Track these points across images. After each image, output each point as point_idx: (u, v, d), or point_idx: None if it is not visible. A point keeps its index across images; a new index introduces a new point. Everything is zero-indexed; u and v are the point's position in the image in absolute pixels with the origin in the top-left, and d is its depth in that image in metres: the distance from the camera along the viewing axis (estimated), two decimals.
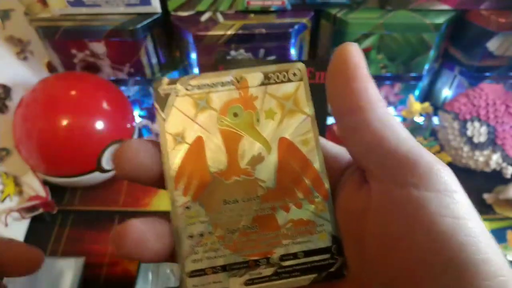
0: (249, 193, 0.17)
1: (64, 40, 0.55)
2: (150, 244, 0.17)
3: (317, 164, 0.18)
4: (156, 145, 0.18)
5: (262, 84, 0.17)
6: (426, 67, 0.58)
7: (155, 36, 0.57)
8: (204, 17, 0.54)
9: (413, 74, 0.60)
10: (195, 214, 0.17)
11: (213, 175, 0.17)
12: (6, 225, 0.52)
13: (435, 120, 0.62)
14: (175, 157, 0.17)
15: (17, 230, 0.54)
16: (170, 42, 0.61)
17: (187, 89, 0.17)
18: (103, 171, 0.55)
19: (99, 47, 0.56)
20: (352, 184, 0.18)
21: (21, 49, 0.60)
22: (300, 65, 0.18)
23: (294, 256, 0.17)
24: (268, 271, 0.17)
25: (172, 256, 0.17)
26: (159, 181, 0.18)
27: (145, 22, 0.53)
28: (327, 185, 0.18)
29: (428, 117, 0.61)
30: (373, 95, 0.16)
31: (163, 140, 0.17)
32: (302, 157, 0.18)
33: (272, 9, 0.54)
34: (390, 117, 0.16)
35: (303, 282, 0.17)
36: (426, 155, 0.16)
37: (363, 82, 0.16)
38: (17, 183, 0.56)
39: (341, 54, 0.17)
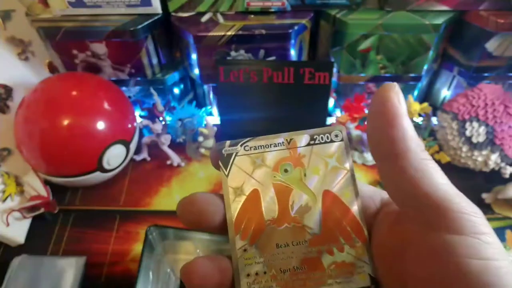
0: (298, 238, 0.20)
1: (65, 41, 0.55)
2: (214, 279, 0.19)
3: (356, 212, 0.20)
4: (219, 197, 0.20)
5: (309, 144, 0.21)
6: (425, 67, 0.59)
7: (155, 36, 0.57)
8: (204, 18, 0.55)
9: (412, 75, 0.60)
10: (251, 255, 0.20)
11: (267, 223, 0.20)
12: (8, 224, 0.52)
13: (434, 120, 0.62)
14: (236, 207, 0.20)
15: (19, 229, 0.54)
16: (170, 42, 0.61)
17: (245, 150, 0.21)
18: (104, 171, 0.55)
19: (100, 48, 0.56)
20: (388, 224, 0.19)
21: (23, 49, 0.61)
22: (341, 128, 0.21)
23: None
24: None
25: (224, 229, 0.20)
26: (221, 228, 0.20)
27: (145, 23, 0.54)
28: (365, 231, 0.20)
29: (427, 117, 0.62)
30: (411, 142, 0.17)
31: (226, 193, 0.20)
32: (344, 206, 0.20)
33: (272, 10, 0.55)
34: (426, 163, 0.17)
35: None
36: (458, 199, 0.17)
37: (401, 130, 0.17)
38: (18, 183, 0.57)
39: (380, 97, 0.18)
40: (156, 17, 0.55)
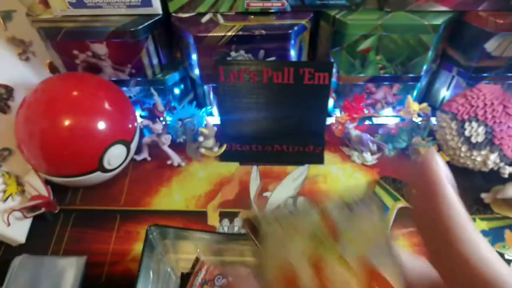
0: None
1: (65, 41, 0.55)
2: None
3: (396, 284, 0.18)
4: (251, 276, 0.20)
5: (344, 213, 0.20)
6: (424, 67, 0.59)
7: (156, 37, 0.57)
8: (204, 19, 0.55)
9: (411, 75, 0.60)
10: None
11: None
12: (9, 224, 0.52)
13: (433, 120, 0.62)
14: (272, 283, 0.19)
15: (19, 229, 0.54)
16: (171, 43, 0.61)
17: (277, 220, 0.20)
18: (105, 171, 0.55)
19: (101, 48, 0.56)
20: None
21: (23, 50, 0.61)
22: (373, 197, 0.20)
23: None
24: None
25: None
26: None
27: (146, 23, 0.54)
28: None
29: (426, 117, 0.62)
30: (459, 218, 0.16)
31: (260, 270, 0.19)
32: (385, 281, 0.19)
33: (271, 10, 0.55)
34: (475, 239, 0.16)
35: None
36: (506, 277, 0.16)
37: (447, 202, 0.16)
38: (19, 183, 0.57)
39: (424, 168, 0.17)
40: (156, 18, 0.55)
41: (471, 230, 0.16)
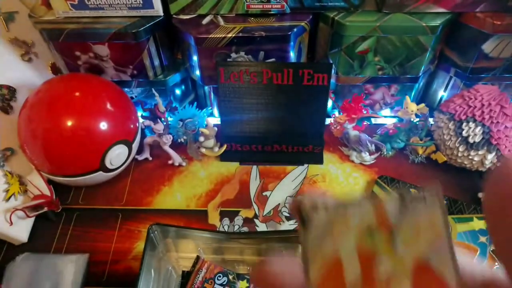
0: None
1: (68, 42, 0.56)
2: (285, 284, 0.18)
3: (453, 285, 0.17)
4: (295, 261, 0.19)
5: (400, 207, 0.18)
6: (422, 68, 0.59)
7: (157, 38, 0.58)
8: (205, 20, 0.55)
9: (409, 76, 0.61)
10: None
11: None
12: (11, 223, 0.53)
13: (431, 120, 0.63)
14: (315, 273, 0.18)
15: (22, 228, 0.55)
16: (172, 44, 0.62)
17: (326, 210, 0.18)
18: (107, 170, 0.56)
19: (103, 49, 0.57)
20: None
21: (26, 51, 0.61)
22: (437, 188, 0.18)
23: None
24: None
25: None
26: None
27: (147, 25, 0.55)
28: None
29: (424, 117, 0.62)
30: None
31: (305, 257, 0.18)
32: (438, 279, 0.18)
33: (271, 12, 0.55)
34: None
35: None
36: None
37: None
38: (21, 182, 0.57)
39: (504, 177, 0.16)
40: (157, 19, 0.55)
41: None
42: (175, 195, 0.59)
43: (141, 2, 0.53)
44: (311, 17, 0.56)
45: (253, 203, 0.59)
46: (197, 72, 0.61)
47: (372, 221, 0.18)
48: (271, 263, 0.19)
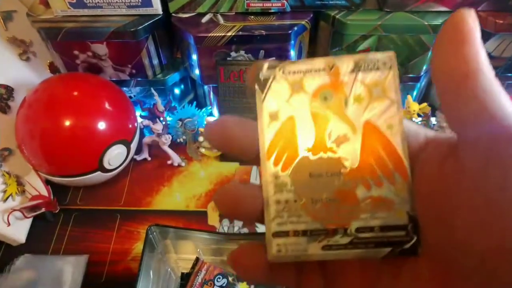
0: (333, 169, 0.19)
1: (66, 41, 0.56)
2: (246, 203, 0.19)
3: (399, 147, 0.18)
4: (253, 123, 0.20)
5: (353, 71, 0.19)
6: (424, 68, 0.59)
7: (156, 37, 0.57)
8: (205, 19, 0.55)
9: (411, 75, 0.60)
10: (283, 183, 0.19)
11: (301, 151, 0.19)
12: (9, 224, 0.52)
13: (433, 120, 0.62)
14: (269, 133, 0.19)
15: (20, 229, 0.55)
16: (171, 43, 0.61)
17: (283, 74, 0.19)
18: (105, 170, 0.56)
19: (101, 48, 0.56)
20: (438, 158, 0.18)
21: (24, 50, 0.61)
22: (391, 54, 0.19)
23: (371, 229, 0.18)
24: (344, 240, 0.19)
25: (261, 218, 0.19)
26: (254, 156, 0.19)
27: (146, 24, 0.54)
28: (408, 167, 0.18)
29: (426, 117, 0.62)
30: (483, 62, 0.15)
31: (260, 118, 0.19)
32: (386, 140, 0.19)
33: (271, 10, 0.55)
34: (496, 87, 0.15)
35: (377, 254, 0.18)
36: None
37: (475, 47, 0.15)
38: (19, 183, 0.57)
39: (454, 18, 0.16)
40: (156, 18, 0.55)
41: (492, 79, 0.15)
42: (174, 196, 0.59)
43: (140, 0, 0.53)
44: (311, 15, 0.55)
45: None
46: (197, 71, 0.60)
47: (328, 86, 0.19)
48: (227, 122, 0.19)
